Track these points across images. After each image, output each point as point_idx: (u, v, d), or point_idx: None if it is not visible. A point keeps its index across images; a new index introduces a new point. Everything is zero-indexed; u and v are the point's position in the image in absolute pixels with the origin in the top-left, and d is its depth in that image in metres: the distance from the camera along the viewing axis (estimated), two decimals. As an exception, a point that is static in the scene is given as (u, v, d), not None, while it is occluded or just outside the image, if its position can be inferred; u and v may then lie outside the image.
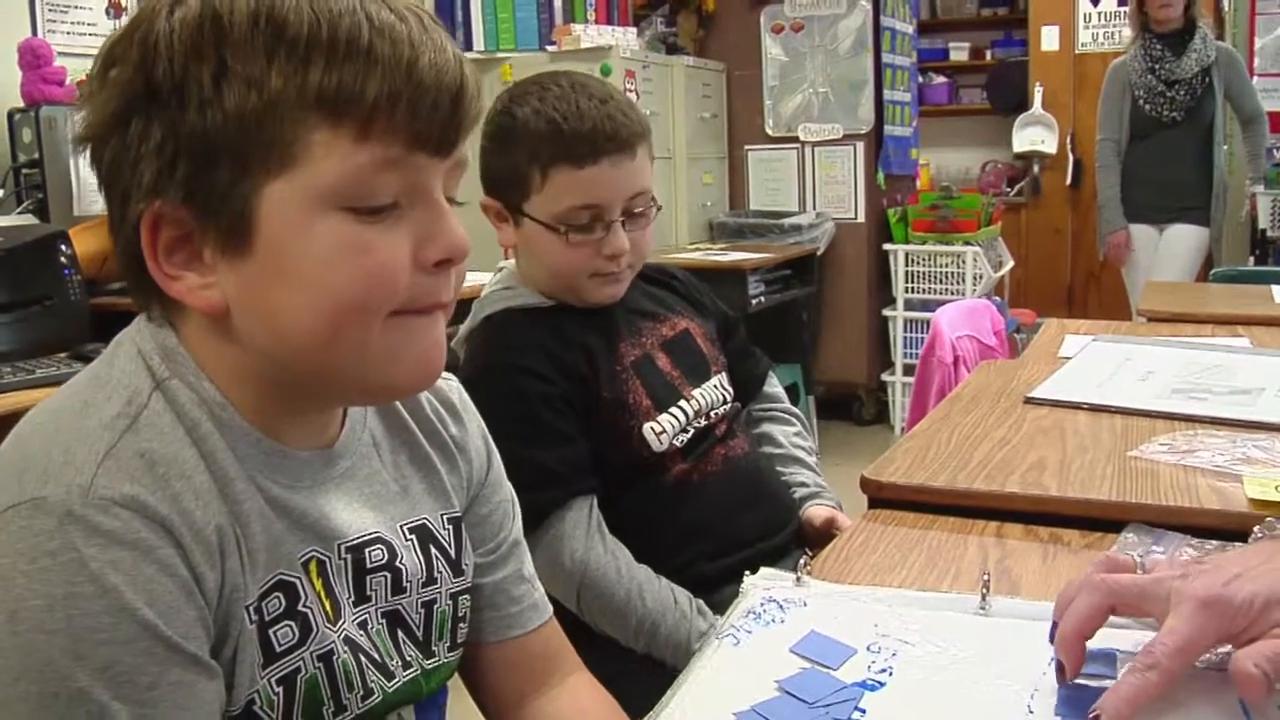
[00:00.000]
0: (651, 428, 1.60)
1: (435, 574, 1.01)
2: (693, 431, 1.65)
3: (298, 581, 0.88)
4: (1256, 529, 0.93)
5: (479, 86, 0.86)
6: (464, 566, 1.05)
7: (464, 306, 1.96)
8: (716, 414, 1.69)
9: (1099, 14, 7.42)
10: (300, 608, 0.88)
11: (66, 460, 0.77)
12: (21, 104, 3.24)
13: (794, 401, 1.97)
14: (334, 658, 0.90)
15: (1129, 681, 0.81)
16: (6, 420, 2.55)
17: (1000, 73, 8.00)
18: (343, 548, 0.93)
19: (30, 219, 3.13)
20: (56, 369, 2.40)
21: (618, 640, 1.54)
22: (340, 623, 0.92)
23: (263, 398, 0.87)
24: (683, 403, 1.65)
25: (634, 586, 1.52)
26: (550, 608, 1.16)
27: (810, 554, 1.17)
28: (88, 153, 0.83)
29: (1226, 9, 6.64)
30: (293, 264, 0.80)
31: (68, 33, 3.50)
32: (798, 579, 1.10)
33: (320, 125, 0.78)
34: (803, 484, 1.78)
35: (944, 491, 1.37)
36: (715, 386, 1.71)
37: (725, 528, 1.63)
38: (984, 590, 1.04)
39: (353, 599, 0.94)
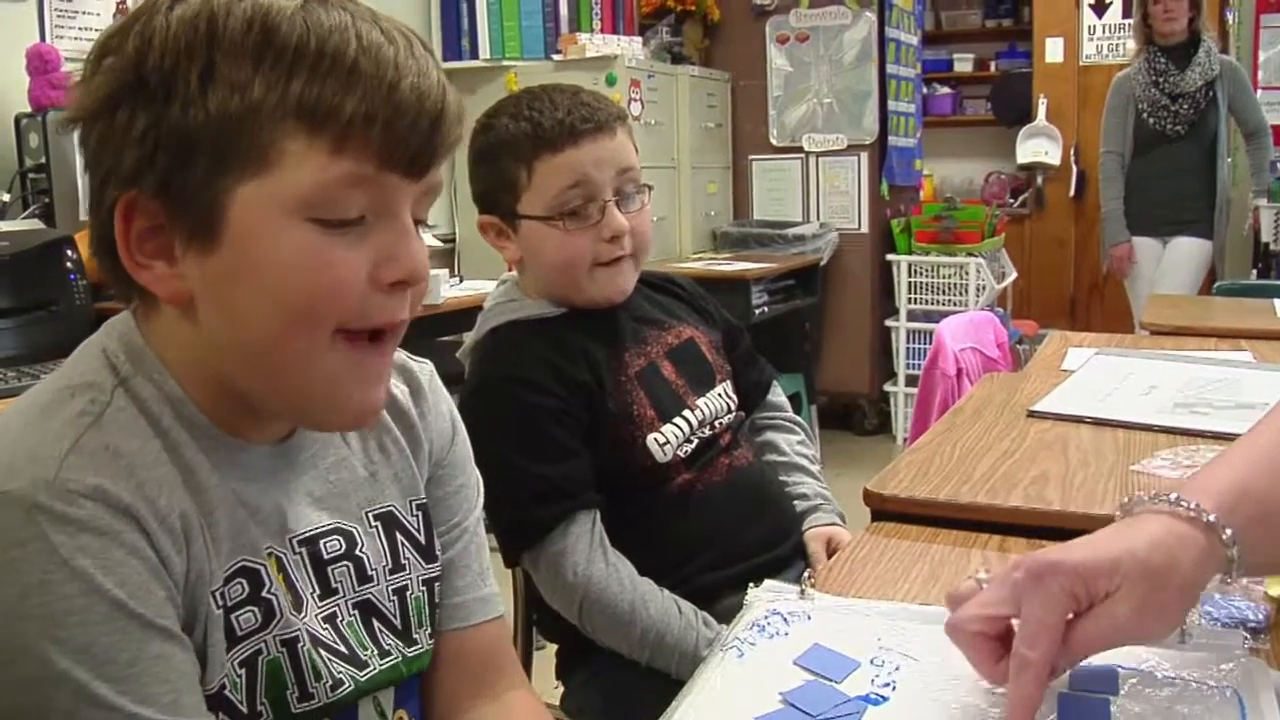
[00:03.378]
0: (655, 438, 1.61)
1: (403, 561, 1.03)
2: (696, 441, 1.65)
3: (262, 569, 0.90)
4: (1117, 509, 0.93)
5: (460, 113, 0.88)
6: (435, 553, 1.06)
7: (469, 317, 1.97)
8: (721, 424, 1.69)
9: (1103, 26, 7.43)
10: (265, 594, 0.90)
11: (31, 457, 0.79)
12: (29, 109, 3.25)
13: (796, 411, 1.97)
14: (299, 644, 0.92)
15: (1012, 692, 0.84)
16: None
17: (1004, 84, 8.01)
18: (295, 542, 0.95)
19: (36, 224, 3.14)
20: (61, 374, 2.40)
21: (621, 653, 1.54)
22: (303, 615, 0.94)
23: (222, 396, 0.89)
24: (687, 412, 1.65)
25: (637, 597, 1.52)
26: (502, 610, 1.15)
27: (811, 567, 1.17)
28: (75, 133, 0.85)
29: (1231, 22, 6.65)
30: (254, 265, 0.82)
31: (75, 38, 3.51)
32: (802, 591, 1.10)
33: (297, 134, 0.81)
34: (805, 494, 1.78)
35: (947, 505, 1.38)
36: (720, 395, 1.71)
37: (728, 538, 1.63)
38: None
39: (317, 592, 0.96)
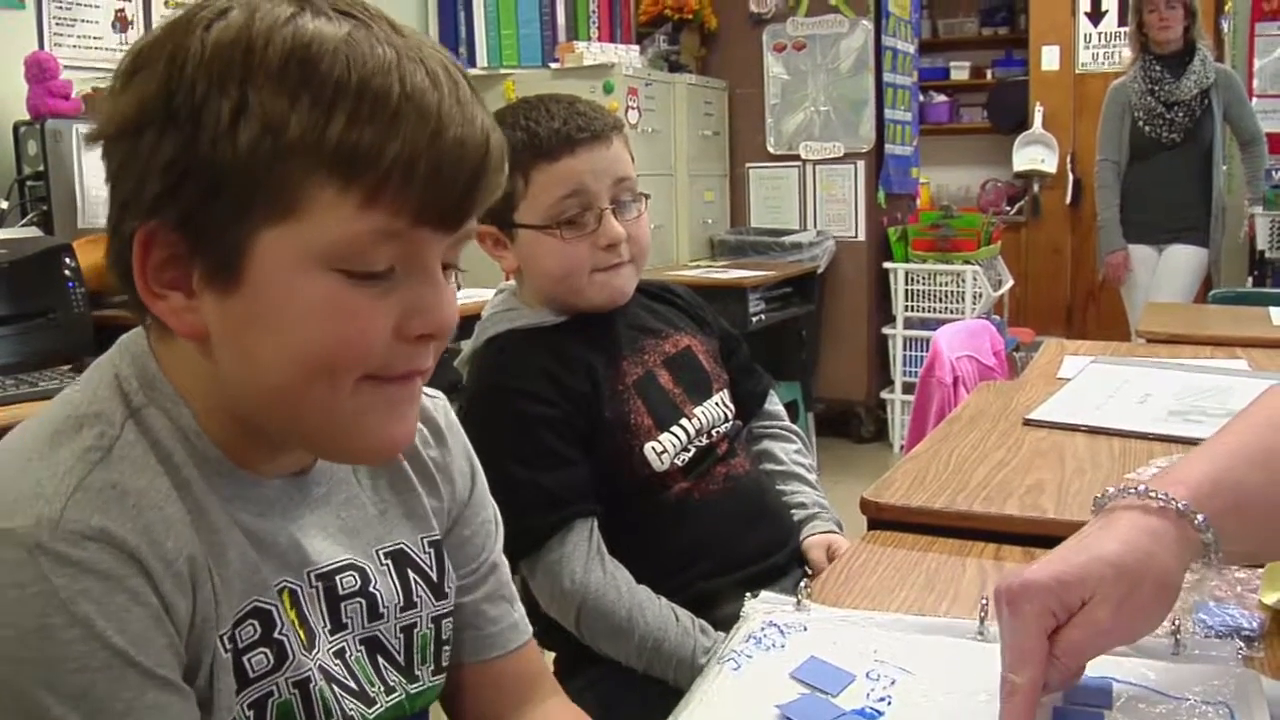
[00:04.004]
0: (653, 447, 1.61)
1: (414, 599, 1.01)
2: (694, 450, 1.65)
3: (274, 609, 0.88)
4: (1091, 508, 0.93)
5: (502, 160, 0.84)
6: (446, 590, 1.04)
7: (466, 324, 1.97)
8: (718, 432, 1.70)
9: (1099, 34, 7.45)
10: (276, 635, 0.88)
11: (36, 493, 0.76)
12: (28, 116, 3.26)
13: (793, 419, 1.98)
14: (310, 684, 0.90)
15: (1004, 717, 0.84)
16: (7, 432, 2.57)
17: (1001, 92, 8.03)
18: (313, 575, 0.92)
19: (35, 231, 3.14)
20: (59, 382, 2.41)
21: (618, 660, 1.54)
22: (315, 651, 0.92)
23: (236, 427, 0.86)
24: (684, 421, 1.66)
25: (635, 605, 1.53)
26: (530, 629, 1.16)
27: (810, 575, 1.17)
28: (99, 148, 0.82)
29: (1226, 31, 6.66)
30: (274, 313, 0.79)
31: (74, 46, 3.52)
32: (798, 602, 1.11)
33: (329, 183, 0.76)
34: (802, 503, 1.79)
35: (943, 513, 1.38)
36: (717, 404, 1.72)
37: (726, 546, 1.63)
38: (982, 615, 1.05)
39: (329, 627, 0.93)
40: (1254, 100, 5.72)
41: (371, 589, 0.96)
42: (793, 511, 1.77)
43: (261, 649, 0.87)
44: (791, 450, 1.88)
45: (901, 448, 5.24)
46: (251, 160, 0.76)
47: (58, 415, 0.83)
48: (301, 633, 0.90)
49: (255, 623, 0.86)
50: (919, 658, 1.00)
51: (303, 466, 0.93)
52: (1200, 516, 0.87)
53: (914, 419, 2.57)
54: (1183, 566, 0.88)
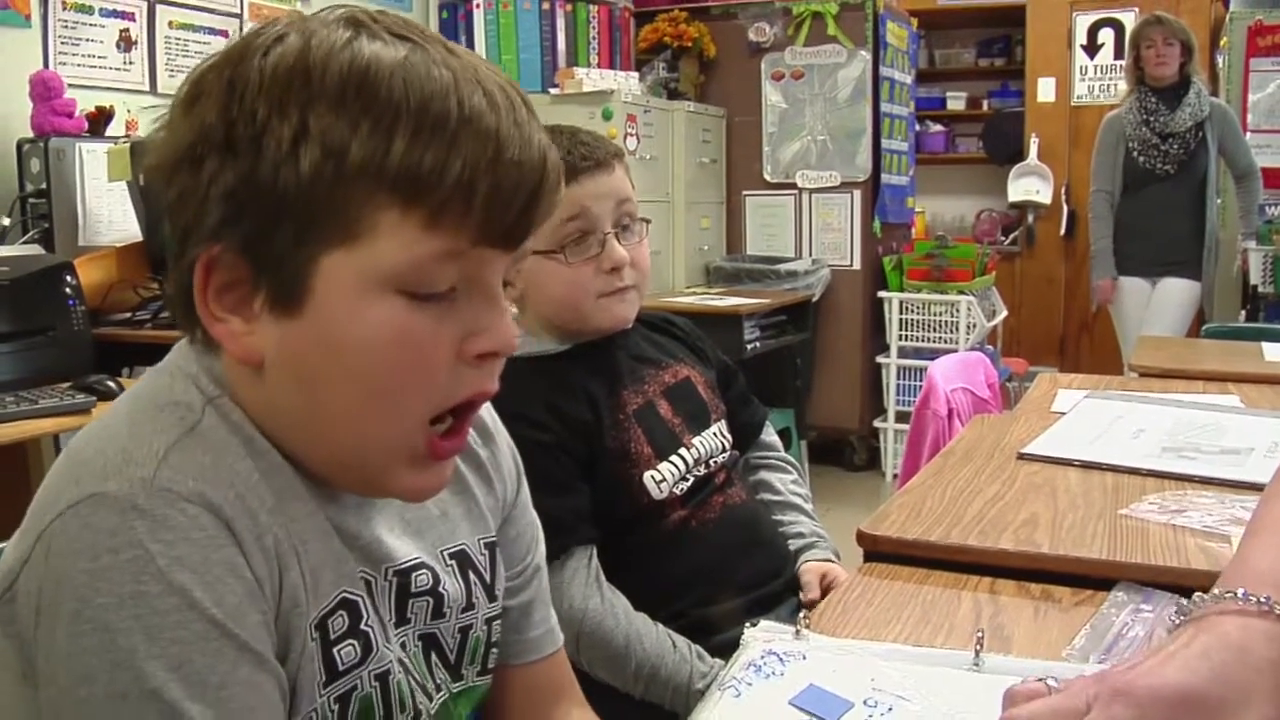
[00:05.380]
0: (652, 476, 1.63)
1: (473, 599, 1.01)
2: (692, 480, 1.67)
3: (360, 600, 0.88)
4: (1176, 611, 0.87)
5: (559, 179, 0.84)
6: (497, 591, 1.04)
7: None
8: (716, 462, 1.71)
9: (1095, 67, 7.50)
10: (363, 626, 0.87)
11: (126, 459, 0.76)
12: (31, 134, 3.28)
13: (786, 446, 1.99)
14: (390, 677, 0.90)
15: None
16: (11, 450, 2.58)
17: (996, 123, 8.07)
18: (390, 571, 0.92)
19: (36, 249, 3.16)
20: (60, 399, 2.42)
21: (615, 686, 1.55)
22: (390, 644, 0.92)
23: (290, 448, 0.85)
24: (683, 450, 1.67)
25: (632, 632, 1.54)
26: (562, 637, 1.17)
27: (805, 601, 1.19)
28: (159, 180, 0.81)
29: (1221, 66, 6.71)
30: (337, 337, 0.79)
31: (78, 65, 3.54)
32: (797, 632, 1.13)
33: (391, 206, 0.77)
34: (800, 533, 1.80)
35: (938, 547, 1.40)
36: (715, 434, 1.73)
37: (722, 575, 1.65)
38: (978, 647, 1.07)
39: (393, 620, 0.93)
40: (1248, 135, 5.75)
41: (440, 589, 0.96)
42: (790, 541, 1.79)
43: (350, 640, 0.86)
44: (789, 481, 1.90)
45: (894, 477, 5.26)
46: (314, 185, 0.76)
47: (131, 404, 0.83)
48: (378, 625, 0.90)
49: (344, 613, 0.86)
50: (916, 687, 1.02)
51: None
52: None
53: (908, 451, 2.59)
54: None
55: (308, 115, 0.76)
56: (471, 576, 1.01)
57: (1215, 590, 0.84)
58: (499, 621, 1.05)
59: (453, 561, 0.99)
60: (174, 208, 0.81)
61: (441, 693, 0.98)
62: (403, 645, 0.94)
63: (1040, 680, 0.83)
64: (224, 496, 0.77)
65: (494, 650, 1.05)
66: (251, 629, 0.77)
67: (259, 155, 0.76)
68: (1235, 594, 0.82)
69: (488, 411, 1.09)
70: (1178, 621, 0.85)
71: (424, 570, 0.95)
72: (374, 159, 0.76)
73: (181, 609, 0.73)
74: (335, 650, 0.85)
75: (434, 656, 0.98)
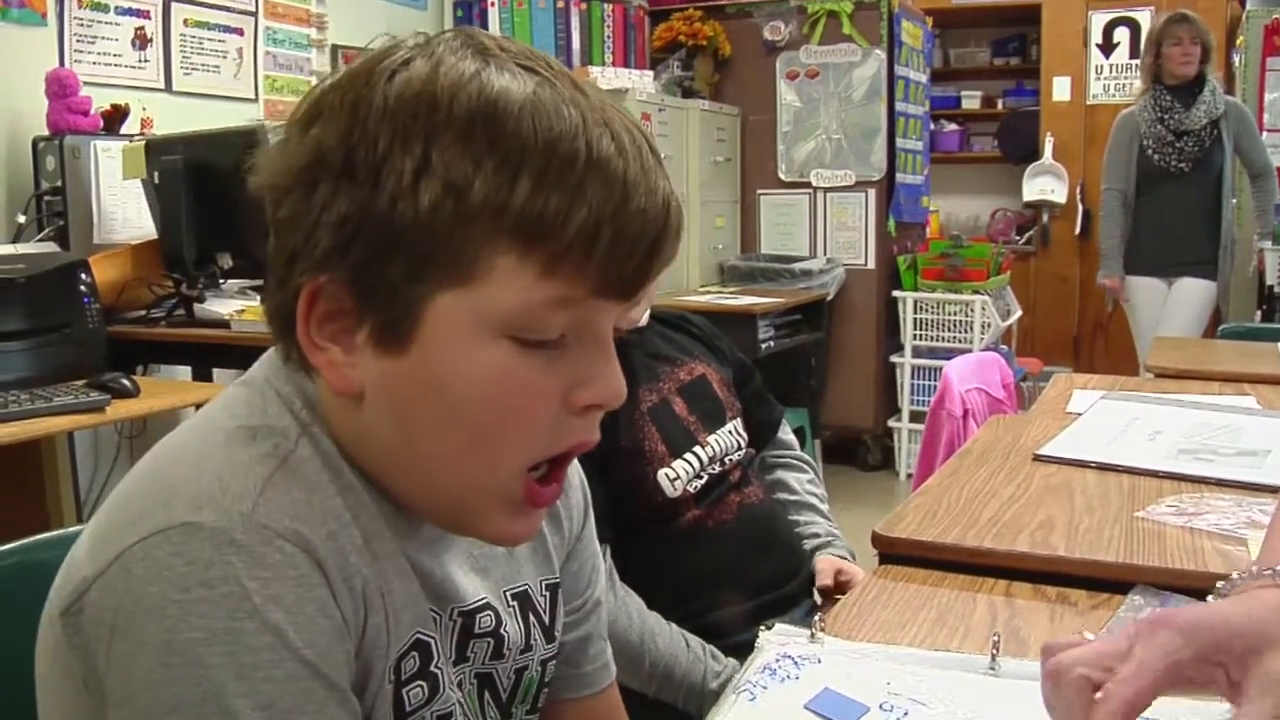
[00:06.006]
0: (666, 474, 1.62)
1: (532, 641, 0.98)
2: (706, 478, 1.67)
3: (433, 642, 0.86)
4: (1221, 583, 0.90)
5: (680, 227, 0.80)
6: (556, 633, 1.02)
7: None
8: (731, 460, 1.71)
9: (1110, 65, 7.47)
10: (433, 668, 0.86)
11: (223, 488, 0.74)
12: (47, 132, 3.29)
13: (800, 446, 1.99)
14: (453, 718, 0.89)
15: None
16: (26, 447, 2.59)
17: (1011, 122, 8.04)
18: (456, 610, 0.90)
19: (52, 246, 3.17)
20: (74, 397, 2.43)
21: (629, 686, 1.55)
22: (452, 685, 0.90)
23: (382, 480, 0.84)
24: (697, 449, 1.67)
25: (646, 631, 1.54)
26: (614, 669, 1.14)
27: (824, 607, 1.18)
28: (270, 198, 0.79)
29: (1237, 65, 6.69)
30: (443, 379, 0.76)
31: (94, 63, 3.55)
32: (812, 635, 1.12)
33: (510, 250, 0.73)
34: (816, 533, 1.80)
35: (954, 549, 1.39)
36: (730, 433, 1.73)
37: (738, 574, 1.65)
38: (994, 651, 1.06)
39: (452, 659, 0.91)
40: (1265, 134, 5.73)
41: (502, 630, 0.94)
42: (805, 541, 1.79)
43: (419, 682, 0.85)
44: (805, 480, 1.90)
45: (908, 476, 5.25)
46: (432, 222, 0.73)
47: (224, 423, 0.81)
48: (446, 664, 0.89)
49: (416, 654, 0.85)
50: (932, 690, 1.02)
51: None
52: None
53: (923, 451, 2.58)
54: None
55: (431, 148, 0.73)
56: (531, 618, 0.99)
57: (1253, 568, 0.85)
58: (554, 663, 1.03)
59: (515, 603, 0.97)
60: (282, 229, 0.78)
61: None
62: (460, 684, 0.92)
63: (1076, 634, 0.83)
64: (318, 535, 0.76)
65: (545, 690, 1.03)
66: (339, 668, 0.76)
67: (377, 185, 0.74)
68: (1274, 570, 0.83)
69: None
70: (1217, 596, 0.87)
71: (488, 612, 0.93)
72: (496, 199, 0.73)
73: (275, 648, 0.72)
74: (405, 691, 0.84)
75: (487, 695, 0.96)
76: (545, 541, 1.01)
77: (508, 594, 0.96)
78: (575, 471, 1.07)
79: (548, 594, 1.01)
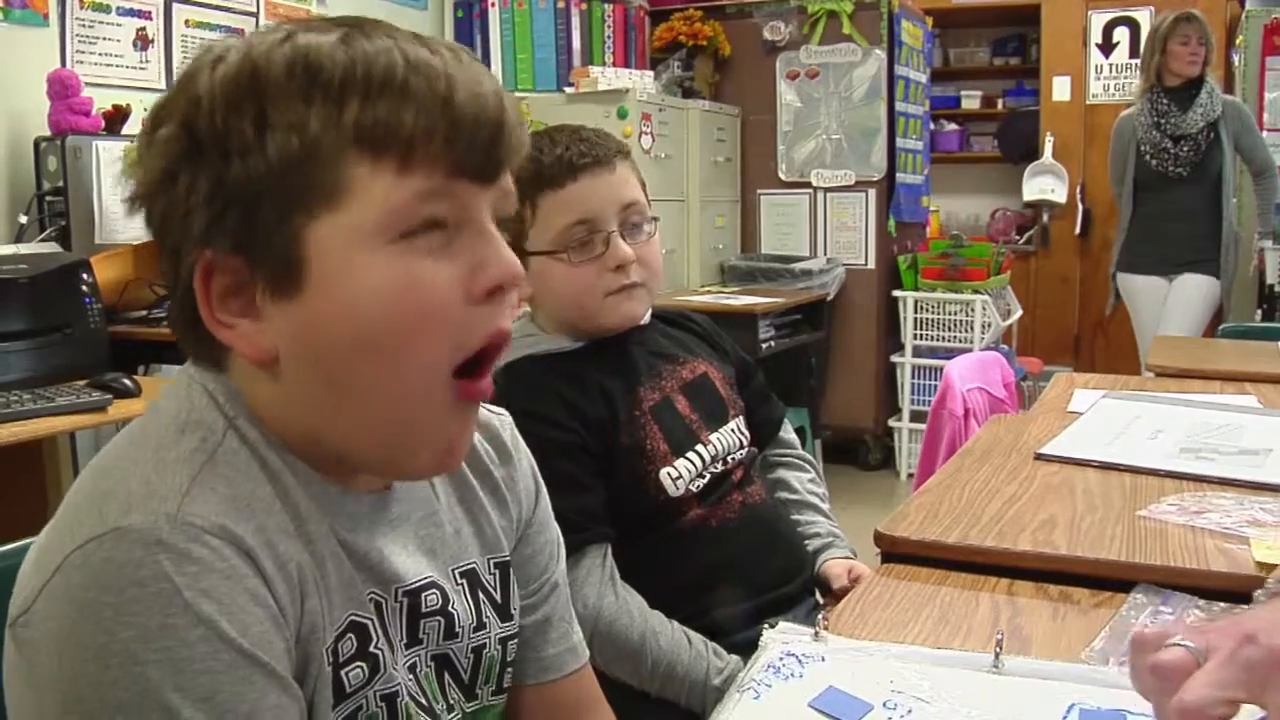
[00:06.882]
0: (668, 473, 1.62)
1: (484, 619, 1.01)
2: (709, 477, 1.67)
3: (370, 622, 0.88)
4: (1260, 591, 0.92)
5: (520, 117, 0.87)
6: (512, 611, 1.04)
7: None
8: (733, 459, 1.71)
9: (1110, 65, 7.48)
10: (372, 649, 0.88)
11: (149, 491, 0.77)
12: (48, 132, 3.29)
13: (800, 445, 1.99)
14: (397, 699, 0.90)
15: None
16: (28, 446, 2.59)
17: (1011, 121, 8.05)
18: (400, 591, 0.92)
19: (53, 246, 3.17)
20: (76, 397, 2.43)
21: (630, 684, 1.55)
22: (398, 666, 0.92)
23: (314, 446, 0.86)
24: (700, 447, 1.67)
25: (648, 630, 1.54)
26: (587, 653, 1.16)
27: (824, 604, 1.19)
28: (142, 213, 0.84)
29: (1237, 64, 6.68)
30: (344, 302, 0.80)
31: (95, 64, 3.55)
32: (816, 633, 1.12)
33: (361, 161, 0.80)
34: (818, 533, 1.80)
35: (956, 548, 1.40)
36: (732, 431, 1.73)
37: (741, 574, 1.64)
38: (997, 649, 1.06)
39: (404, 641, 0.93)
40: (1265, 133, 5.71)
41: (450, 608, 0.97)
42: (807, 541, 1.79)
43: (358, 663, 0.87)
44: (806, 479, 1.90)
45: (909, 476, 5.25)
46: (284, 164, 0.79)
47: (153, 423, 0.85)
48: (387, 647, 0.90)
49: (353, 636, 0.87)
50: (935, 689, 1.02)
51: (384, 484, 0.94)
52: None
53: (925, 450, 2.59)
54: None
55: (263, 105, 0.79)
56: (481, 596, 1.01)
57: None
58: (515, 641, 1.05)
59: (463, 581, 1.00)
60: (161, 231, 0.83)
61: (454, 713, 0.99)
62: (414, 666, 0.94)
63: (1173, 643, 0.78)
64: (246, 529, 0.78)
65: (509, 670, 1.05)
66: (277, 656, 0.78)
67: (227, 154, 0.79)
68: None
69: (509, 432, 1.10)
70: (1262, 599, 0.90)
71: (434, 590, 0.95)
72: (333, 124, 0.79)
73: (210, 640, 0.74)
74: (343, 672, 0.86)
75: (447, 677, 0.98)
76: (491, 522, 1.04)
77: (455, 573, 0.99)
78: (526, 461, 1.11)
79: (497, 571, 1.03)
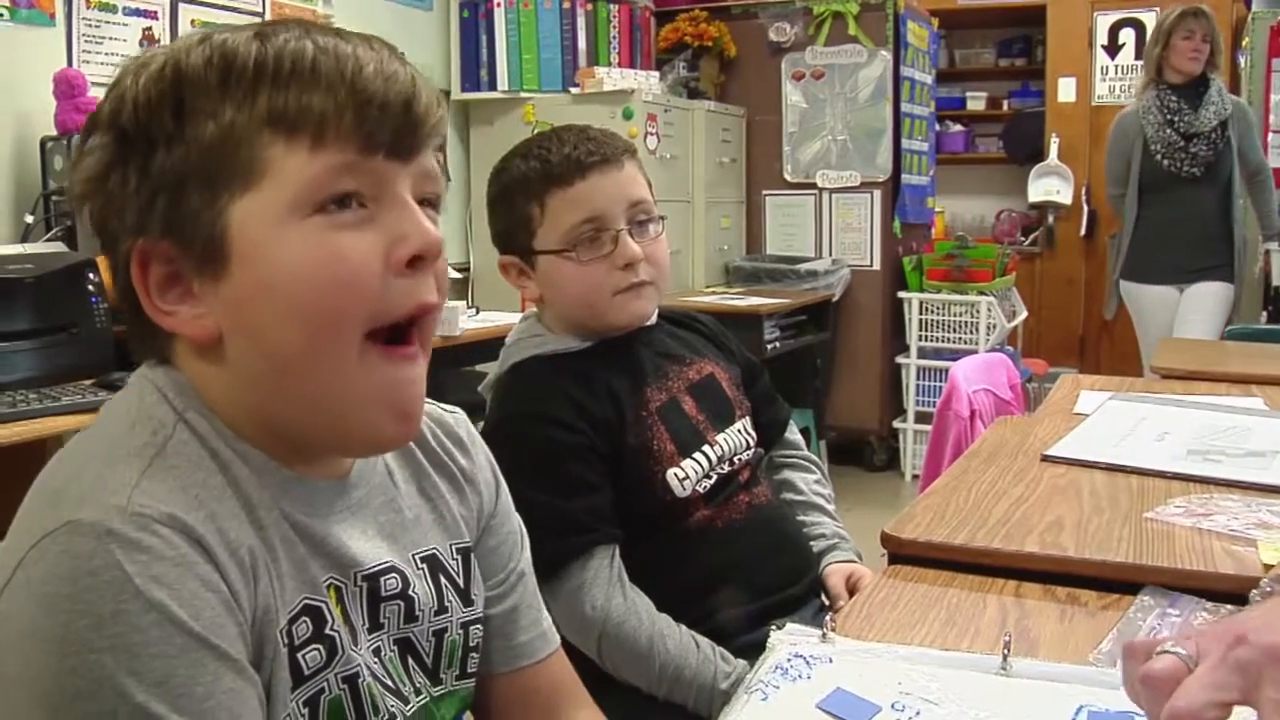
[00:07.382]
0: (675, 473, 1.62)
1: (446, 603, 1.03)
2: (715, 477, 1.67)
3: (323, 606, 0.90)
4: (1254, 591, 0.91)
5: (434, 98, 0.90)
6: (474, 596, 1.06)
7: (490, 349, 2.00)
8: (740, 460, 1.71)
9: (1115, 66, 7.47)
10: (328, 630, 0.90)
11: (100, 485, 0.79)
12: (55, 132, 3.29)
13: (805, 446, 1.99)
14: (359, 680, 0.92)
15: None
16: (33, 446, 2.59)
17: (1017, 123, 8.04)
18: (359, 575, 0.95)
19: (59, 246, 3.17)
20: (82, 396, 2.43)
21: (638, 687, 1.55)
22: (359, 648, 0.94)
23: (269, 433, 0.89)
24: (706, 448, 1.67)
25: (655, 632, 1.54)
26: (558, 638, 1.17)
27: (827, 606, 1.19)
28: (84, 214, 0.88)
29: (1243, 66, 6.68)
30: (266, 277, 0.84)
31: (102, 63, 3.55)
32: (823, 635, 1.12)
33: (275, 141, 0.84)
34: (823, 534, 1.80)
35: (963, 550, 1.40)
36: (739, 432, 1.73)
37: (747, 575, 1.64)
38: (1005, 650, 1.06)
39: (367, 625, 0.95)
40: (1270, 135, 5.71)
41: (410, 592, 0.99)
42: (812, 542, 1.78)
43: (315, 646, 0.89)
44: (811, 480, 1.90)
45: (914, 477, 5.25)
46: (203, 148, 0.83)
47: (106, 422, 0.88)
48: (345, 630, 0.92)
49: (308, 619, 0.89)
50: (943, 690, 1.02)
51: (342, 471, 0.96)
52: None
53: (930, 452, 2.58)
54: None
55: (182, 95, 0.84)
56: (443, 580, 1.03)
57: None
58: (478, 627, 1.07)
59: (423, 565, 1.02)
60: (101, 228, 0.88)
61: (421, 696, 1.00)
62: (377, 650, 0.96)
63: (1162, 650, 0.79)
64: (196, 518, 0.80)
65: (474, 655, 1.06)
66: (230, 640, 0.80)
67: (151, 146, 0.84)
68: None
69: (465, 428, 1.13)
70: (1262, 595, 0.91)
71: (393, 574, 0.98)
72: (246, 110, 0.84)
73: (162, 625, 0.76)
74: (300, 655, 0.87)
75: (410, 660, 1.00)
76: (450, 508, 1.06)
77: (416, 558, 1.01)
78: (484, 455, 1.13)
79: (459, 557, 1.06)
